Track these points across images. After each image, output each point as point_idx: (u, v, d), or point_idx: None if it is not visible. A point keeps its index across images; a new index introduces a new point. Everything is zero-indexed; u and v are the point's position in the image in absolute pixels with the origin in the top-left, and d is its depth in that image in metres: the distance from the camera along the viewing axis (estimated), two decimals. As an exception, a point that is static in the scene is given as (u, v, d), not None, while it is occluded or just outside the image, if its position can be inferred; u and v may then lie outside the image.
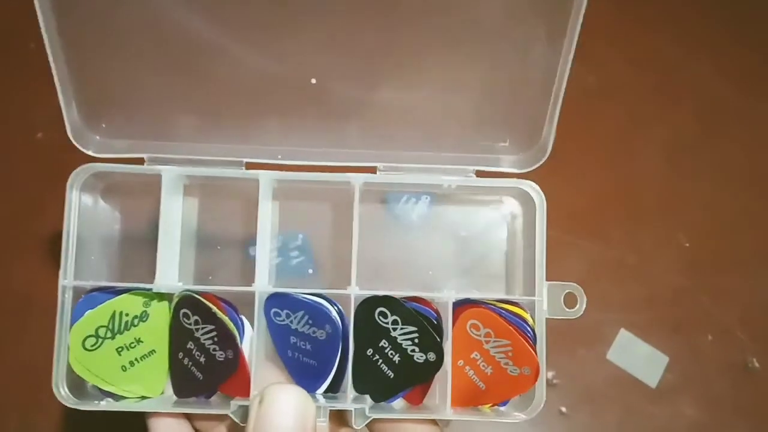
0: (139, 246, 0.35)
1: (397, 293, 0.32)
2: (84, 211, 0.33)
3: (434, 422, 0.32)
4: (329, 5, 0.30)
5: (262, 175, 0.32)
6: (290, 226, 0.37)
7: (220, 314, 0.31)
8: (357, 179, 0.32)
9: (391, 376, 0.33)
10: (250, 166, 0.33)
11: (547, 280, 0.33)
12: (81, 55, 0.31)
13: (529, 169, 0.33)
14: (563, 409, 0.43)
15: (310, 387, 0.33)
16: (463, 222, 0.36)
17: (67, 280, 0.31)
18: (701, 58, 0.50)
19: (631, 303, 0.45)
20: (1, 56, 0.44)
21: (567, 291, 0.33)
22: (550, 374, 0.43)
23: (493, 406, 0.33)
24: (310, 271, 0.36)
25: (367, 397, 0.33)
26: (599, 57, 0.50)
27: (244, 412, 0.30)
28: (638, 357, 0.44)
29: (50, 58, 0.29)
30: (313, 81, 0.31)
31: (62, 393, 0.30)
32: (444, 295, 0.32)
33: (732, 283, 0.46)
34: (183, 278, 0.35)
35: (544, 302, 0.32)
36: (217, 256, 0.37)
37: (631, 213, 0.47)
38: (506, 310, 0.33)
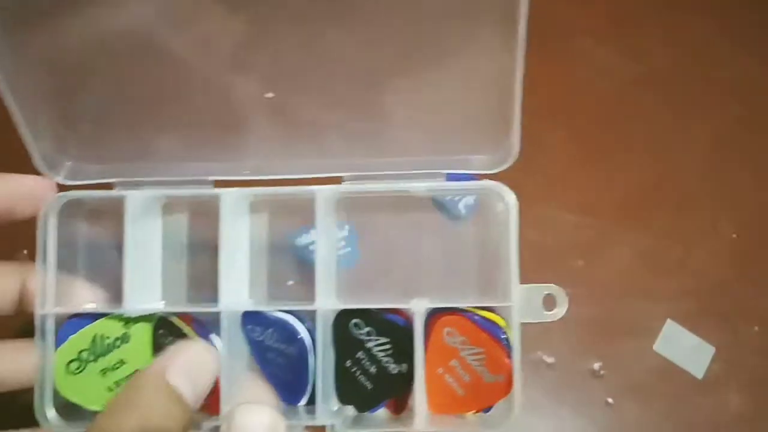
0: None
1: (369, 305, 0.32)
2: (65, 235, 0.33)
3: None
4: (290, 20, 0.30)
5: (224, 193, 0.32)
6: (278, 237, 0.37)
7: (189, 333, 0.31)
8: (320, 191, 0.32)
9: (370, 388, 0.33)
10: (221, 183, 0.33)
11: (543, 280, 0.32)
12: (46, 82, 0.31)
13: (499, 170, 0.32)
14: (609, 400, 0.43)
15: (293, 399, 0.33)
16: (441, 229, 0.35)
17: (45, 309, 0.32)
18: (749, 52, 0.50)
19: (678, 294, 0.45)
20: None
21: (546, 292, 0.32)
22: (596, 365, 0.44)
23: (477, 412, 0.33)
24: (290, 282, 0.36)
25: (351, 407, 0.33)
26: (645, 47, 0.50)
27: (216, 431, 0.31)
28: (685, 348, 0.44)
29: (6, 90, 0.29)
30: (269, 95, 0.31)
31: (47, 417, 0.31)
32: (412, 305, 0.31)
33: None
34: (169, 296, 0.35)
35: (517, 308, 0.31)
36: (209, 270, 0.37)
37: (676, 203, 0.47)
38: (481, 316, 0.32)
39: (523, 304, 0.31)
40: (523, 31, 0.27)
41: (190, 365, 0.29)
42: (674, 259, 0.46)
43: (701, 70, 0.49)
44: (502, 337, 0.31)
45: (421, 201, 0.36)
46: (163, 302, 0.35)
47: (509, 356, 0.31)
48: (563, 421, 0.43)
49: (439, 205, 0.37)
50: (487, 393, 0.32)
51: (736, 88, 0.49)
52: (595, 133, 0.47)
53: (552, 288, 0.32)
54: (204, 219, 0.37)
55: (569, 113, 0.47)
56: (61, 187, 0.32)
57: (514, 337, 0.31)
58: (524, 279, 0.32)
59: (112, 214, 0.35)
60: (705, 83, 0.49)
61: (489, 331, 0.31)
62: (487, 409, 0.33)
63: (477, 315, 0.32)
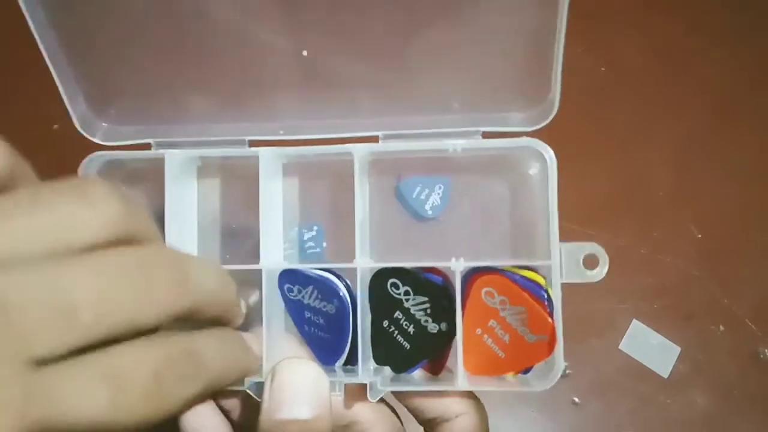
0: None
1: (407, 263, 0.32)
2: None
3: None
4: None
5: (262, 151, 0.32)
6: (309, 201, 0.37)
7: None
8: (358, 150, 0.31)
9: (408, 348, 0.32)
10: (255, 143, 0.33)
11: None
12: (83, 43, 0.31)
13: (537, 127, 0.31)
14: (576, 399, 0.44)
15: (329, 360, 0.33)
16: (477, 189, 0.35)
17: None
18: (716, 48, 0.50)
19: (643, 293, 0.46)
20: (20, 48, 0.45)
21: (587, 252, 0.31)
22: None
23: (517, 374, 0.32)
24: (325, 244, 0.36)
25: (387, 368, 0.33)
26: (612, 47, 0.50)
27: (260, 387, 0.31)
28: (650, 347, 0.44)
29: (43, 50, 0.29)
30: (305, 53, 0.31)
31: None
32: (452, 264, 0.31)
33: (743, 274, 0.46)
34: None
35: (558, 266, 0.30)
36: (240, 235, 0.37)
37: (642, 203, 0.48)
38: (521, 275, 0.31)
39: (564, 263, 0.31)
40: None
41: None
42: (640, 259, 0.46)
43: (669, 68, 0.49)
44: (544, 296, 0.31)
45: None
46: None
47: (551, 315, 0.30)
48: (530, 420, 0.43)
49: (405, 203, 0.35)
50: (528, 353, 0.31)
51: (704, 87, 0.49)
52: (562, 131, 0.46)
53: (593, 247, 0.31)
54: (235, 184, 0.37)
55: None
56: (100, 148, 0.33)
57: (556, 296, 0.30)
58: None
59: (149, 177, 0.35)
60: (673, 82, 0.49)
61: (530, 290, 0.31)
62: (527, 371, 0.32)
63: (517, 274, 0.31)
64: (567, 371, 0.43)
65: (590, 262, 0.31)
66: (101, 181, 0.20)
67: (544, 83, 0.30)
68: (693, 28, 0.50)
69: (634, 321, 0.44)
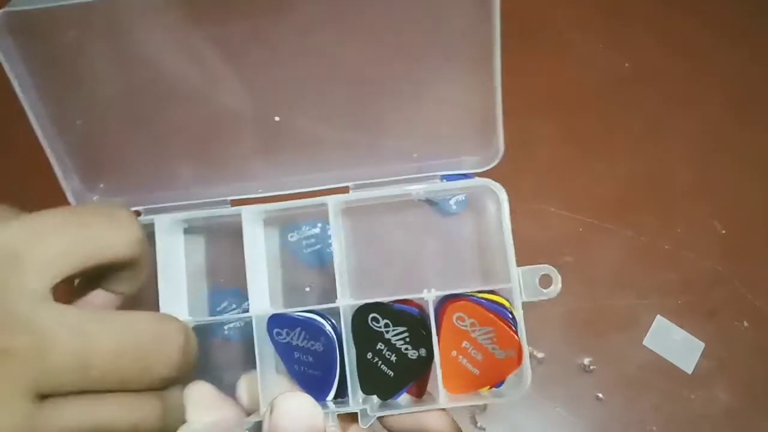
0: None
1: (385, 298, 0.35)
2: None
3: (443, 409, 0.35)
4: (284, 51, 0.33)
5: (244, 210, 0.35)
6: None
7: None
8: (331, 200, 0.35)
9: (392, 375, 0.35)
10: (237, 202, 0.36)
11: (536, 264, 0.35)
12: (71, 126, 0.34)
13: (487, 168, 0.35)
14: (599, 395, 0.44)
15: (319, 396, 0.36)
16: (444, 224, 0.39)
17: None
18: (736, 45, 0.51)
19: (667, 289, 0.46)
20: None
21: (542, 273, 0.35)
22: (586, 360, 0.45)
23: (491, 388, 0.36)
24: (308, 288, 0.39)
25: (374, 397, 0.36)
26: (634, 43, 0.50)
27: (258, 426, 0.33)
28: (674, 343, 0.45)
29: (39, 134, 0.32)
30: (277, 119, 0.34)
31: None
32: (425, 294, 0.35)
33: (767, 270, 0.47)
34: (193, 312, 0.38)
35: (517, 288, 0.34)
36: (228, 286, 0.40)
37: (666, 199, 0.48)
38: (487, 299, 0.35)
39: (522, 284, 0.35)
40: (497, 44, 0.31)
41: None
42: (663, 255, 0.47)
43: (690, 64, 0.50)
44: (509, 315, 0.34)
45: (413, 201, 0.39)
46: (190, 317, 0.37)
47: (517, 333, 0.34)
48: (554, 416, 0.44)
49: (432, 202, 0.39)
50: (499, 368, 0.35)
51: (725, 82, 0.50)
52: (584, 128, 0.48)
53: (546, 268, 0.35)
54: (220, 240, 0.40)
55: (559, 107, 0.47)
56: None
57: (518, 314, 0.34)
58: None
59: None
60: (694, 78, 0.50)
61: (496, 311, 0.34)
62: (500, 384, 0.36)
63: (483, 299, 0.35)
64: (591, 367, 0.44)
65: (545, 281, 0.35)
66: (126, 209, 0.24)
67: (491, 129, 0.34)
68: (712, 25, 0.50)
69: (658, 317, 0.45)
